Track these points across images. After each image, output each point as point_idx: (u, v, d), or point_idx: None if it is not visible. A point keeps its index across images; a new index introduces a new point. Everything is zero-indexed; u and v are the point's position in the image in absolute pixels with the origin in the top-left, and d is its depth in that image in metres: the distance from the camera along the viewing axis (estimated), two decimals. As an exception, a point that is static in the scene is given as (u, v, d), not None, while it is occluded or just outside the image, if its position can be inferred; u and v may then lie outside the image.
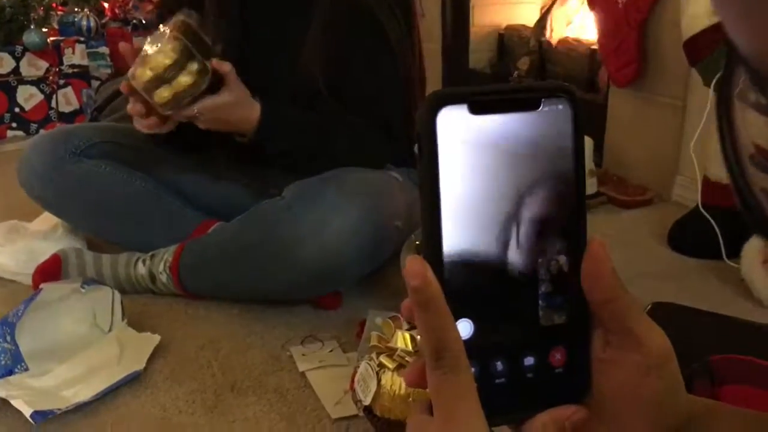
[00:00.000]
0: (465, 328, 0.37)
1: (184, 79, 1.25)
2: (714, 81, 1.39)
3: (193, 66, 1.26)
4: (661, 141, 1.97)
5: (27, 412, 1.02)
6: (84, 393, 1.10)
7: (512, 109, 0.36)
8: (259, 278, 1.31)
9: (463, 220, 0.36)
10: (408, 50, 1.40)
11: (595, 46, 2.28)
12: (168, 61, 1.25)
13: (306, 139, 1.37)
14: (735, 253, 1.46)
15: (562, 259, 0.37)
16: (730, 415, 0.42)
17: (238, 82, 1.27)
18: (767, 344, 1.03)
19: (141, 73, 1.25)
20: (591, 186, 1.91)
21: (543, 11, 2.73)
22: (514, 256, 0.37)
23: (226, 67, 1.26)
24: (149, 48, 1.29)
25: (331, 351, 1.23)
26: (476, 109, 0.35)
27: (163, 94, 1.25)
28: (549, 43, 2.61)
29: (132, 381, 1.15)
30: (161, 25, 1.29)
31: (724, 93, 0.28)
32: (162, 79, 1.25)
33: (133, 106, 1.30)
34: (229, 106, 1.27)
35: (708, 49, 1.42)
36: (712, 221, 1.53)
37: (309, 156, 1.37)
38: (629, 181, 2.02)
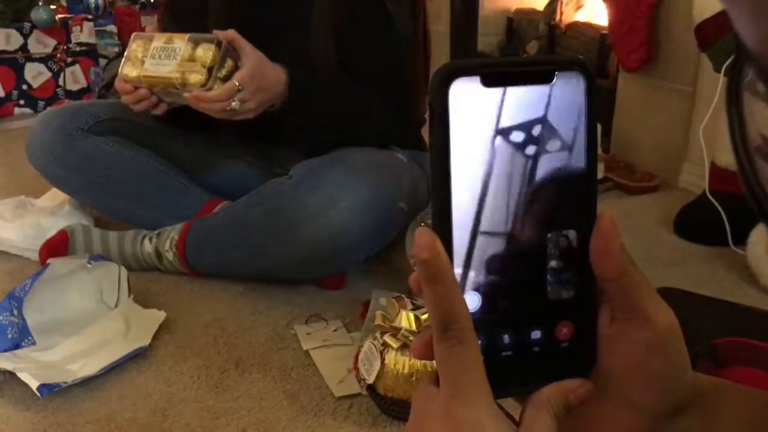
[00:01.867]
0: (473, 300, 0.37)
1: (204, 53, 1.26)
2: (724, 66, 1.38)
3: (206, 43, 1.27)
4: (669, 127, 1.96)
5: (33, 384, 1.03)
6: (90, 367, 1.11)
7: (525, 82, 0.35)
8: (265, 257, 1.31)
9: (473, 193, 0.36)
10: (411, 31, 1.40)
11: (605, 31, 2.26)
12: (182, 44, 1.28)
13: (330, 102, 1.36)
14: (741, 240, 1.46)
15: (572, 233, 0.37)
16: (735, 392, 0.42)
17: (249, 44, 1.26)
18: (771, 330, 1.03)
19: (157, 68, 1.28)
20: (599, 171, 1.89)
21: (553, -6, 2.71)
22: (524, 230, 0.37)
23: (230, 33, 1.25)
24: (139, 50, 1.32)
25: (335, 330, 1.24)
26: (489, 81, 0.35)
27: (196, 77, 1.25)
28: (559, 27, 2.60)
29: (137, 356, 1.16)
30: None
31: (734, 82, 0.28)
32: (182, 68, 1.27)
33: (140, 103, 1.33)
34: (259, 67, 1.25)
35: (719, 34, 1.41)
36: (719, 207, 1.53)
37: (332, 122, 1.36)
38: (637, 167, 2.01)
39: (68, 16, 2.99)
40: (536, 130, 0.36)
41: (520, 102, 0.35)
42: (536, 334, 0.38)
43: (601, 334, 0.38)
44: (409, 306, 1.00)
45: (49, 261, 1.24)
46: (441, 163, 0.35)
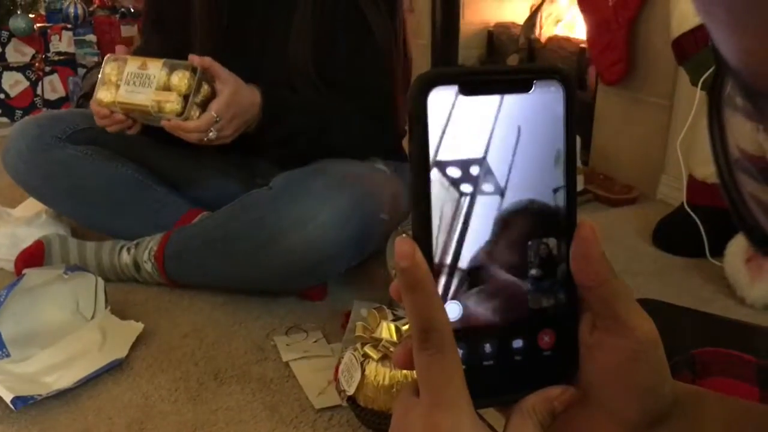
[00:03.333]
0: (453, 309, 0.36)
1: (179, 81, 1.26)
2: (701, 80, 1.40)
3: (180, 70, 1.27)
4: (647, 140, 1.98)
5: (7, 397, 1.02)
6: (65, 380, 1.09)
7: (504, 90, 0.35)
8: (244, 269, 1.30)
9: (454, 206, 0.36)
10: (392, 42, 1.40)
11: (584, 45, 2.29)
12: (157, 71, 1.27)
13: (306, 119, 1.36)
14: (719, 251, 1.47)
15: (552, 242, 0.37)
16: (715, 401, 0.43)
17: (224, 69, 1.26)
18: (749, 342, 1.04)
19: (132, 95, 1.28)
20: (578, 183, 1.90)
21: (533, 9, 2.74)
22: (504, 239, 0.37)
23: (206, 61, 1.25)
24: (113, 73, 1.31)
25: (315, 341, 1.23)
26: (467, 89, 0.35)
27: (173, 106, 1.25)
28: (538, 41, 2.62)
29: (114, 368, 1.14)
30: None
31: (715, 96, 0.28)
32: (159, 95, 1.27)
33: (115, 126, 1.34)
34: (234, 93, 1.25)
35: (696, 48, 1.43)
36: (697, 220, 1.54)
37: (308, 139, 1.36)
38: (616, 180, 2.03)
39: (47, 25, 2.97)
40: (515, 138, 0.36)
41: (499, 110, 0.36)
42: (518, 343, 0.38)
43: (582, 343, 0.38)
44: (390, 317, 1.00)
45: (24, 271, 1.22)
46: (420, 171, 0.35)
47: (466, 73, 0.35)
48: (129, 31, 3.18)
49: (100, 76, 1.34)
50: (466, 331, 0.36)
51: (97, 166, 1.47)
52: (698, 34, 1.41)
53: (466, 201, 0.36)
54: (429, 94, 0.34)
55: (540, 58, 2.61)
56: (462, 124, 0.35)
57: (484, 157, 0.36)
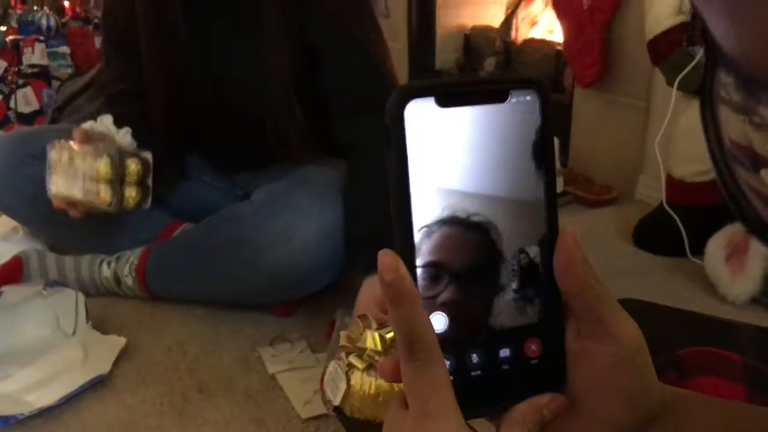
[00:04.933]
0: (439, 321, 0.37)
1: (102, 168, 1.21)
2: (677, 80, 1.41)
3: (100, 158, 1.21)
4: (625, 141, 1.99)
5: (-12, 417, 1.00)
6: (48, 398, 1.08)
7: (480, 101, 0.36)
8: (227, 284, 1.28)
9: (434, 214, 0.36)
10: (378, 38, 1.35)
11: (560, 47, 2.30)
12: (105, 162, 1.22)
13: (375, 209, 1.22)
14: (699, 250, 1.48)
15: (534, 249, 0.38)
16: (701, 403, 0.43)
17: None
18: (732, 339, 1.05)
19: (70, 189, 1.22)
20: (558, 185, 1.92)
21: (508, 12, 2.75)
22: (486, 248, 0.37)
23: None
24: (58, 159, 1.23)
25: (300, 352, 1.22)
26: (444, 101, 0.35)
27: (103, 196, 1.21)
28: (515, 44, 2.63)
29: (97, 385, 1.13)
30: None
31: (707, 88, 0.28)
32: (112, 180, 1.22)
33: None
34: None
35: (671, 49, 1.44)
36: (676, 219, 1.56)
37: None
38: (595, 181, 2.05)
39: (19, 37, 2.93)
40: (493, 149, 0.36)
41: (476, 121, 0.36)
42: (505, 352, 0.38)
43: (568, 350, 0.38)
44: (374, 325, 0.99)
45: (2, 288, 1.20)
46: (399, 184, 0.35)
47: (442, 85, 0.36)
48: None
49: (47, 164, 1.25)
50: (452, 342, 0.36)
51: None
52: (672, 35, 1.42)
53: (446, 212, 0.36)
54: (406, 106, 0.35)
55: (517, 60, 2.62)
56: (439, 136, 0.35)
57: (463, 167, 0.36)
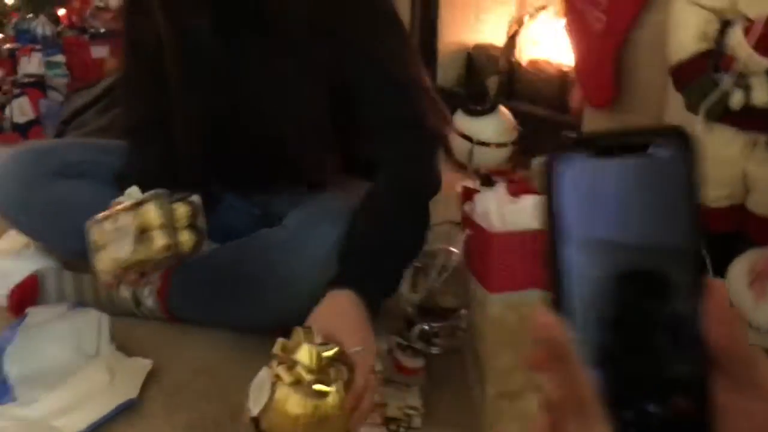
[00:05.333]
0: (594, 378, 0.36)
1: (151, 215, 1.10)
2: (703, 107, 1.42)
3: (146, 204, 1.10)
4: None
5: (19, 445, 0.97)
6: (77, 424, 1.04)
7: (626, 152, 0.36)
8: (252, 310, 1.25)
9: (586, 272, 0.36)
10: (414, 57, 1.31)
11: (565, 68, 2.31)
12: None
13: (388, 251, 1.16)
14: (721, 275, 1.49)
15: (681, 303, 0.37)
16: None
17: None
18: None
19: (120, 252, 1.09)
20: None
21: (510, 31, 2.76)
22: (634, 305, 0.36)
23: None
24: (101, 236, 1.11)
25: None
26: (594, 154, 0.36)
27: (159, 241, 1.09)
28: (518, 63, 2.64)
29: (126, 410, 1.10)
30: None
31: None
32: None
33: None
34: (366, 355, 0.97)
35: (695, 75, 1.45)
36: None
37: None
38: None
39: (16, 46, 2.89)
40: (644, 198, 0.36)
41: (622, 173, 0.36)
42: (654, 410, 0.37)
43: (718, 406, 0.37)
44: (318, 339, 0.89)
45: (27, 310, 1.17)
46: (555, 241, 0.36)
47: (594, 138, 0.36)
48: (99, 52, 3.12)
49: (88, 245, 1.13)
50: (605, 401, 0.36)
51: (92, 201, 1.37)
52: (697, 62, 1.43)
53: (597, 272, 0.36)
54: (557, 160, 0.36)
55: (521, 80, 2.63)
56: (591, 191, 0.36)
57: (615, 223, 0.36)
